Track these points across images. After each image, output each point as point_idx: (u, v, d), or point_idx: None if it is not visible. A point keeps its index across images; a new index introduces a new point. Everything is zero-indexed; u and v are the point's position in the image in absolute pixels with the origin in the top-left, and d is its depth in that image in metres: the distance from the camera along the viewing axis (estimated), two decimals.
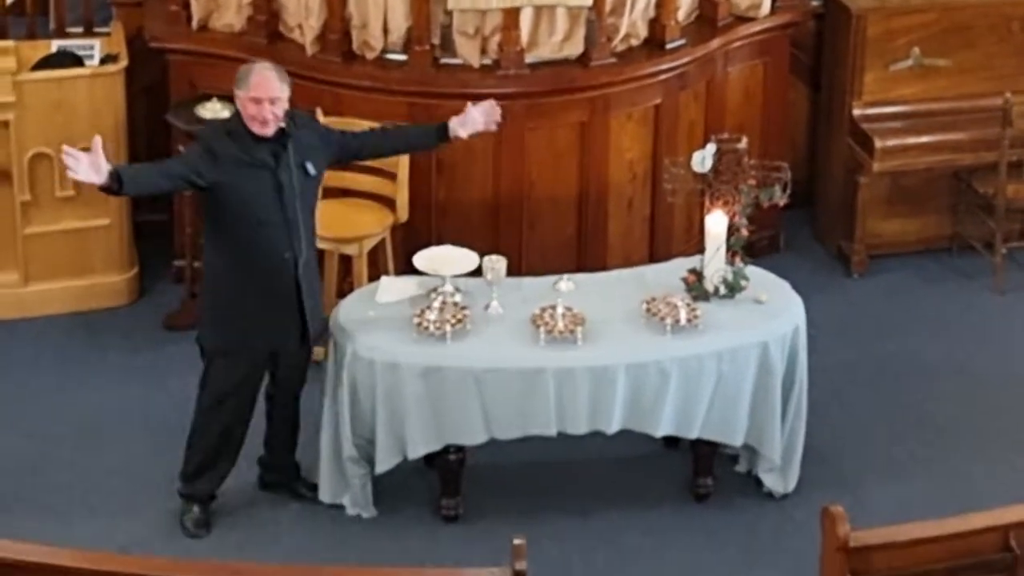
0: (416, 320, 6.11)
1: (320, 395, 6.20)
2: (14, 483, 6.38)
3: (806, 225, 8.04)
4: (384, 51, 7.05)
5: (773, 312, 6.29)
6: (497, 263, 6.25)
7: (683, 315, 6.15)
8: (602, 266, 7.06)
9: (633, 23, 7.16)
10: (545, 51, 7.04)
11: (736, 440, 6.28)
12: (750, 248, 6.60)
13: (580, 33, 7.02)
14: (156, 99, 7.45)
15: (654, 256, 7.28)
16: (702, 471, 6.38)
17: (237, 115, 5.87)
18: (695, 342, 6.12)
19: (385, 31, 7.02)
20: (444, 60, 7.03)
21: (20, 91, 7.06)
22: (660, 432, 6.21)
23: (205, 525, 6.18)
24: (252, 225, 5.82)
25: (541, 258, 7.08)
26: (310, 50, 7.07)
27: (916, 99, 7.65)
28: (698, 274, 6.33)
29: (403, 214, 6.91)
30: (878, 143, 7.53)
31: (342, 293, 6.67)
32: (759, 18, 7.50)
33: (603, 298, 6.31)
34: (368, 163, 6.73)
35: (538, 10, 6.98)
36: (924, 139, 7.58)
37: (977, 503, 5.41)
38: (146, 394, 6.77)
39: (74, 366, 7.05)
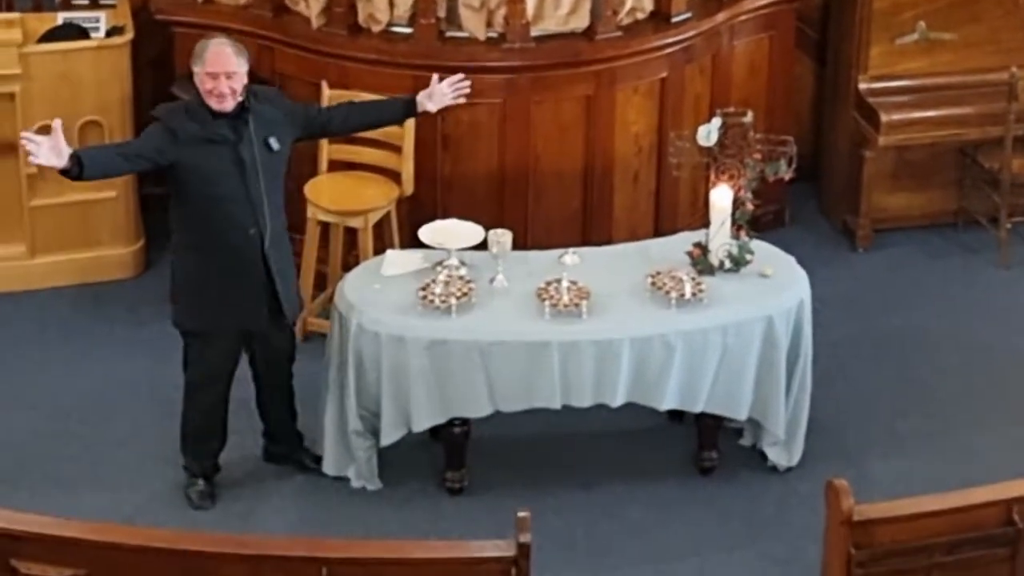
0: (421, 293, 6.12)
1: (324, 368, 6.22)
2: (21, 455, 6.40)
3: (811, 199, 8.04)
4: (390, 24, 7.04)
5: (778, 286, 6.29)
6: (502, 236, 6.25)
7: (688, 289, 6.16)
8: (607, 240, 7.06)
9: None
10: (551, 24, 7.03)
11: (740, 414, 6.29)
12: (755, 222, 6.60)
13: (586, 6, 7.01)
14: (162, 72, 7.45)
15: (659, 230, 7.28)
16: (706, 445, 6.39)
17: (197, 93, 5.84)
18: (700, 316, 6.13)
19: (391, 4, 7.01)
20: (450, 33, 7.02)
21: (26, 63, 7.06)
22: (664, 405, 6.22)
23: (210, 497, 6.20)
24: (215, 202, 5.80)
25: (546, 231, 7.08)
26: (315, 23, 7.06)
27: (922, 73, 7.64)
28: (703, 248, 6.33)
29: (408, 187, 6.91)
30: (884, 117, 7.52)
31: (347, 266, 6.68)
32: None
33: (608, 272, 6.31)
34: (373, 136, 6.73)
35: None
36: (930, 113, 7.57)
37: (980, 477, 5.42)
38: (152, 366, 6.79)
39: (80, 338, 7.06)
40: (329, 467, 6.29)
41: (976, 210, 7.81)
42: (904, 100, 7.60)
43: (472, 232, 6.37)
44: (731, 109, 6.45)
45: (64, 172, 5.66)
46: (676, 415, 6.52)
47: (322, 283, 7.04)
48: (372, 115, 6.31)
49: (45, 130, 6.87)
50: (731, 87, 7.47)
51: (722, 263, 6.31)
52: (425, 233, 6.37)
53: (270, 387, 6.23)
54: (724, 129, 6.29)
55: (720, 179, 6.30)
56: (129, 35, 7.24)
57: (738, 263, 6.31)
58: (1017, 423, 6.69)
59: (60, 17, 7.33)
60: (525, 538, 4.68)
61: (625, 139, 7.16)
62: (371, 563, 4.73)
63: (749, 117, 6.34)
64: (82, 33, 7.22)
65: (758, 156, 6.33)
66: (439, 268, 6.25)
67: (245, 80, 5.84)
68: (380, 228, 6.87)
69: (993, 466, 6.25)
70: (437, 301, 6.08)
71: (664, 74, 7.17)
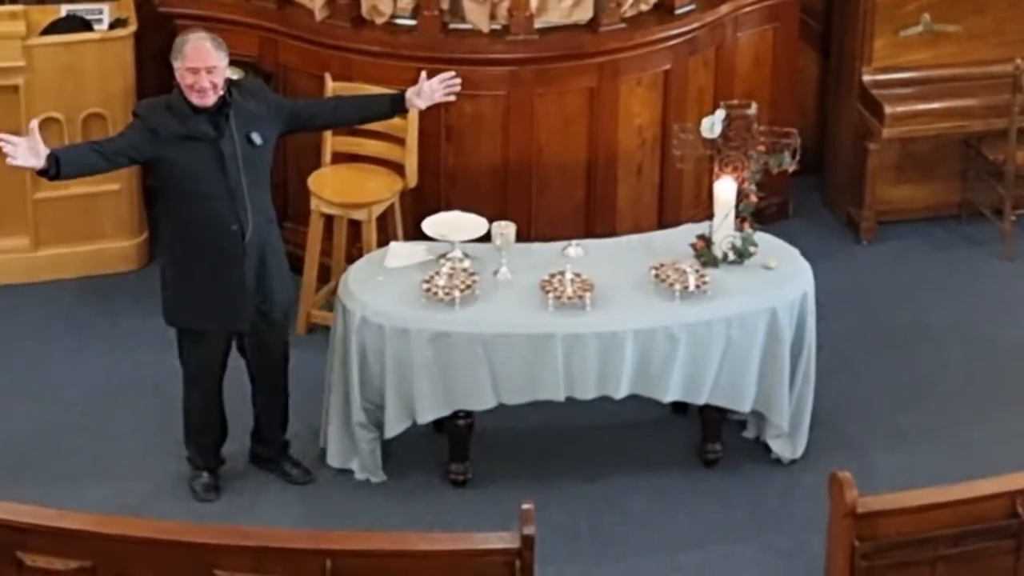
0: (425, 286, 6.12)
1: (328, 360, 6.21)
2: (25, 447, 6.40)
3: (815, 191, 8.03)
4: (393, 16, 7.03)
5: (782, 278, 6.29)
6: (506, 229, 6.25)
7: (692, 281, 6.16)
8: (611, 232, 7.06)
9: None
10: (554, 16, 7.02)
11: (744, 406, 6.29)
12: (759, 214, 6.60)
13: None
14: (165, 64, 7.40)
15: (663, 222, 7.27)
16: (710, 437, 6.39)
17: (177, 88, 5.82)
18: (704, 308, 6.13)
19: None
20: (453, 25, 7.02)
21: (29, 56, 7.06)
22: (668, 398, 6.22)
23: (214, 489, 6.20)
24: (196, 198, 5.78)
25: (550, 224, 7.08)
26: (319, 15, 7.06)
27: (926, 65, 7.63)
28: (707, 240, 6.33)
29: (412, 179, 6.91)
30: (888, 109, 7.51)
31: (351, 259, 6.68)
32: None
33: (612, 264, 6.31)
34: (377, 128, 6.72)
35: None
36: (934, 105, 7.57)
37: (984, 469, 5.42)
38: (156, 358, 6.78)
39: (84, 331, 7.06)
40: (333, 460, 6.29)
41: (980, 202, 7.80)
42: (908, 92, 7.59)
43: (476, 224, 6.37)
44: (735, 101, 6.45)
45: (41, 172, 5.67)
46: (680, 407, 6.52)
47: (326, 275, 7.04)
48: (359, 110, 6.26)
49: (49, 123, 6.88)
50: (735, 79, 7.46)
51: (726, 255, 6.31)
52: (429, 225, 6.37)
53: (262, 385, 6.18)
54: (728, 121, 6.28)
55: (724, 171, 6.30)
56: (132, 27, 7.24)
57: (742, 255, 6.31)
58: (1021, 416, 6.69)
59: (63, 9, 7.32)
60: (529, 530, 4.68)
61: (629, 131, 7.16)
62: (375, 555, 4.73)
63: (753, 109, 6.34)
64: (85, 25, 7.21)
65: (762, 148, 6.33)
66: (443, 260, 6.25)
67: (226, 74, 5.82)
68: (384, 220, 6.87)
69: (997, 458, 6.25)
70: (441, 293, 6.08)
71: (668, 66, 7.17)
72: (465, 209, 6.53)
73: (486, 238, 6.31)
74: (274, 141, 5.97)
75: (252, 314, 5.94)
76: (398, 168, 6.90)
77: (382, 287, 6.18)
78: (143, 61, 7.37)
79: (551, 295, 6.10)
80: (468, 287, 6.11)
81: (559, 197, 7.14)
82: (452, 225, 6.37)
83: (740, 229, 6.33)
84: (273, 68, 7.11)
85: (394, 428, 6.18)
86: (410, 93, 6.13)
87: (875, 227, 7.78)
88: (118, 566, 4.74)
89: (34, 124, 5.60)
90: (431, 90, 6.13)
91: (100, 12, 7.30)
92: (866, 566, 4.89)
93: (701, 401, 6.25)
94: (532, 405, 6.20)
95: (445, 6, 6.98)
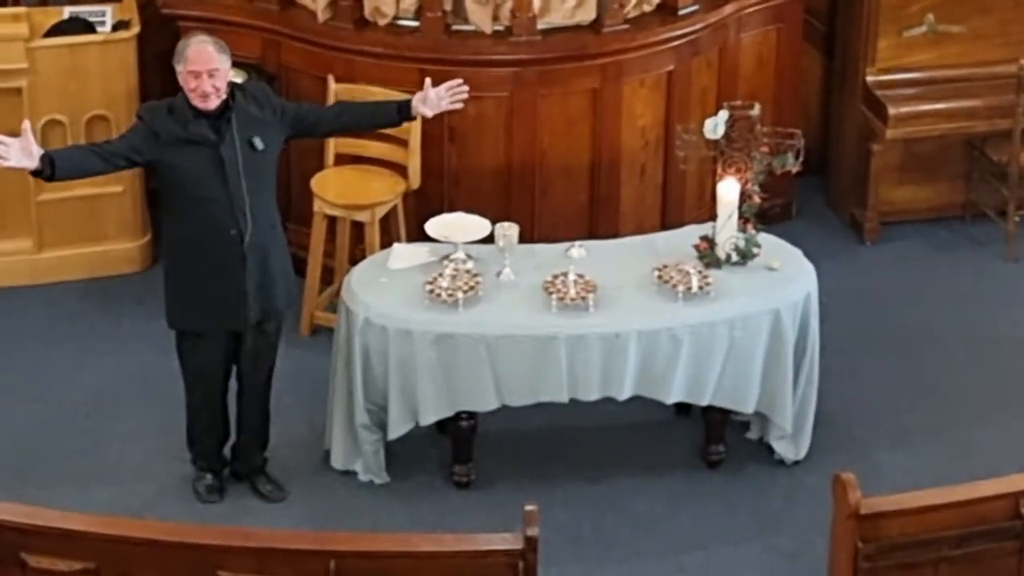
0: (428, 287, 6.12)
1: (332, 362, 6.22)
2: (29, 449, 6.41)
3: (819, 192, 8.03)
4: (396, 17, 7.03)
5: (785, 279, 6.29)
6: (509, 230, 6.25)
7: (695, 282, 6.16)
8: (614, 233, 7.06)
9: None
10: (557, 17, 7.02)
11: (748, 407, 6.29)
12: (762, 215, 6.60)
13: None
14: (168, 66, 7.40)
15: (666, 223, 7.27)
16: (713, 438, 6.39)
17: (181, 91, 5.79)
18: (707, 309, 6.12)
19: None
20: (456, 26, 7.02)
21: (32, 58, 7.06)
22: (672, 399, 6.22)
23: (218, 491, 6.20)
24: (196, 202, 5.76)
25: (553, 225, 7.08)
26: (322, 16, 7.06)
27: (930, 66, 7.63)
28: (710, 241, 6.33)
29: (415, 181, 6.91)
30: (891, 110, 7.51)
31: (354, 260, 6.68)
32: None
33: (615, 265, 6.31)
34: (381, 130, 6.72)
35: None
36: (938, 106, 7.56)
37: (988, 470, 5.42)
38: (160, 360, 6.77)
39: (88, 332, 7.07)
40: (337, 461, 6.29)
41: (984, 203, 7.80)
42: (912, 93, 7.59)
43: (479, 226, 6.37)
44: (738, 102, 6.44)
45: (35, 173, 5.65)
46: (683, 408, 6.52)
47: (329, 277, 7.04)
48: (364, 117, 6.24)
49: (52, 125, 6.88)
50: (738, 80, 7.46)
51: (729, 256, 6.30)
52: (432, 227, 6.37)
53: (246, 390, 6.13)
54: (731, 122, 6.28)
55: (727, 172, 6.29)
56: (135, 29, 7.24)
57: (745, 256, 6.31)
58: None
59: (66, 11, 7.33)
60: (532, 531, 4.68)
61: (632, 132, 7.16)
62: (379, 556, 4.73)
63: (756, 110, 6.34)
64: (88, 27, 7.22)
65: (765, 149, 6.32)
66: (446, 262, 6.25)
67: (229, 77, 5.81)
68: (387, 222, 6.87)
69: (1000, 459, 6.25)
70: (444, 295, 6.08)
71: (671, 67, 7.17)
72: (468, 210, 6.53)
73: (489, 239, 6.31)
74: (279, 146, 5.95)
75: (254, 317, 5.93)
76: (401, 170, 6.90)
77: (385, 289, 6.18)
78: (146, 63, 7.37)
79: (554, 296, 6.10)
80: (471, 288, 6.11)
81: (562, 198, 7.14)
82: (455, 226, 6.37)
83: (743, 230, 6.32)
84: (276, 70, 7.11)
85: (397, 429, 6.18)
86: (416, 101, 6.09)
87: (879, 228, 7.77)
88: (121, 567, 4.74)
89: (26, 124, 5.58)
90: (438, 98, 6.10)
91: (103, 14, 7.30)
92: (869, 567, 4.89)
93: (704, 402, 6.25)
94: (535, 406, 6.20)
95: (448, 7, 6.98)
